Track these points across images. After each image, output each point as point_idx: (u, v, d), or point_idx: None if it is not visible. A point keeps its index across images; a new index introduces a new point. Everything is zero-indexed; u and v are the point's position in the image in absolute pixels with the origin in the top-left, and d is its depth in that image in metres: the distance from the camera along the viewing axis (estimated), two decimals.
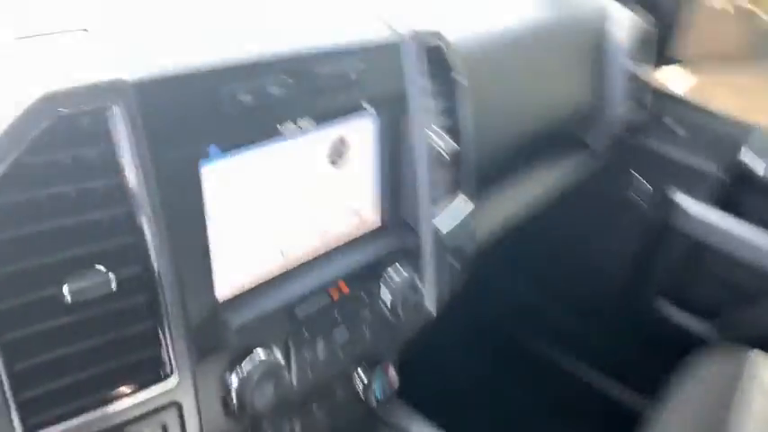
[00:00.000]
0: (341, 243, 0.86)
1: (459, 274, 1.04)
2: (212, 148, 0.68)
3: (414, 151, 0.91)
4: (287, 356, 0.76)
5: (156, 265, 0.61)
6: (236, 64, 0.68)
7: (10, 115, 0.53)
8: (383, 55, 0.86)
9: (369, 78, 0.83)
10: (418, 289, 0.91)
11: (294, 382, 0.78)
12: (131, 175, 0.59)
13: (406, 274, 0.90)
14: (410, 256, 0.93)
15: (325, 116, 0.79)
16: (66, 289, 0.56)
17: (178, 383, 0.65)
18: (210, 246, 0.69)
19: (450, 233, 0.99)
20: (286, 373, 0.74)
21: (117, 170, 0.59)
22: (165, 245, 0.62)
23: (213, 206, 0.69)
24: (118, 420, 0.61)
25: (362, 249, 0.87)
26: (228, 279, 0.73)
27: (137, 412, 0.62)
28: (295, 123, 0.75)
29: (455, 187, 1.03)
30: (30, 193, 0.54)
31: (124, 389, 0.61)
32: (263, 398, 0.71)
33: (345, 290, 0.83)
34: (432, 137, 0.95)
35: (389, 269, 0.89)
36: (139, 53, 0.63)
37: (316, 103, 0.77)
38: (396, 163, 0.91)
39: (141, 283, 0.61)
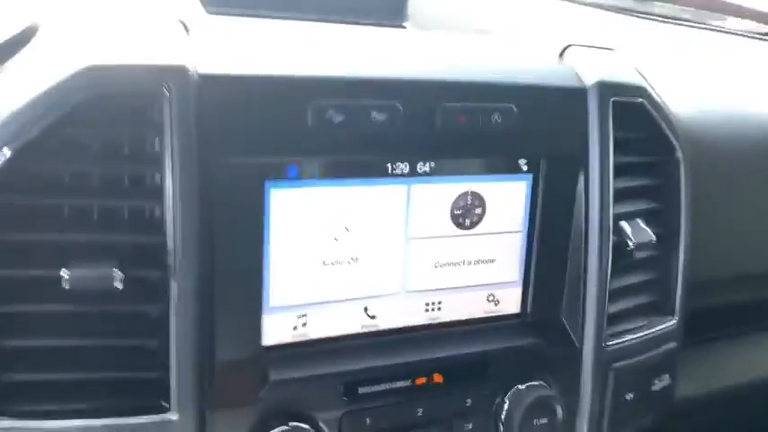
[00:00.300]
0: (453, 319, 0.70)
1: (637, 417, 0.78)
2: (292, 169, 0.60)
3: (586, 233, 0.71)
4: None
5: (174, 276, 0.54)
6: (334, 78, 0.59)
7: (53, 79, 0.50)
8: (557, 102, 0.69)
9: (531, 128, 0.67)
10: (557, 418, 0.69)
11: None
12: (167, 171, 0.53)
13: (543, 390, 0.69)
14: (555, 367, 0.71)
15: (458, 167, 0.66)
16: (65, 272, 0.51)
17: (177, 422, 0.55)
18: (264, 277, 0.60)
19: (631, 365, 0.75)
20: None
21: (150, 161, 0.53)
22: (193, 255, 0.54)
23: (279, 232, 0.60)
24: None
25: (482, 337, 0.69)
26: (283, 322, 0.62)
27: None
28: (411, 165, 0.63)
29: (651, 305, 0.79)
30: (54, 166, 0.51)
31: (111, 406, 0.54)
32: None
33: (439, 381, 0.66)
34: (623, 225, 0.74)
35: (517, 374, 0.69)
36: (225, 53, 0.58)
37: (445, 144, 0.64)
38: (553, 240, 0.71)
39: (153, 290, 0.54)
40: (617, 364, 0.74)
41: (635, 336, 0.76)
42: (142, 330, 0.55)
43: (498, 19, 0.83)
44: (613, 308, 0.74)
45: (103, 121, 0.52)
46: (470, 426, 0.67)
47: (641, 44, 0.87)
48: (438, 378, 0.66)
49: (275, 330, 0.62)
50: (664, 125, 0.75)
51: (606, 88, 0.70)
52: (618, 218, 0.74)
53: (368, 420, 0.63)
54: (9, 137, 0.49)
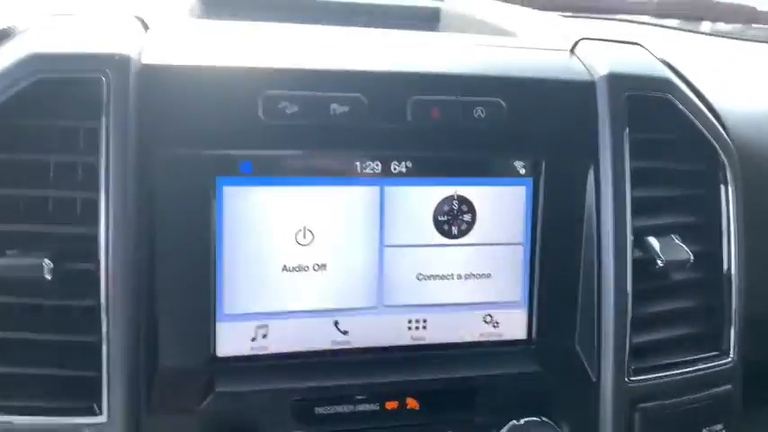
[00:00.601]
0: (441, 341, 0.62)
1: None
2: (245, 165, 0.56)
3: (599, 249, 0.62)
4: None
5: (106, 270, 0.51)
6: (287, 69, 0.56)
7: None
8: (559, 97, 0.61)
9: (527, 126, 0.60)
10: None
11: None
12: (102, 160, 0.51)
13: (547, 428, 0.59)
14: (565, 403, 0.61)
15: (440, 167, 0.60)
16: None
17: (105, 426, 0.52)
18: (217, 282, 0.56)
19: (667, 408, 0.63)
20: None
21: (86, 150, 0.52)
22: (125, 250, 0.51)
23: (233, 233, 0.56)
24: None
25: (472, 361, 0.61)
26: (240, 332, 0.57)
27: None
28: (383, 164, 0.58)
29: (695, 338, 0.66)
30: None
31: (41, 405, 0.52)
32: None
33: (413, 406, 0.58)
34: (650, 240, 0.64)
35: (514, 407, 0.60)
36: (177, 46, 0.57)
37: (420, 141, 0.58)
38: (561, 255, 0.62)
39: (87, 284, 0.52)
40: (645, 405, 0.62)
41: (670, 372, 0.64)
42: (76, 326, 0.53)
43: (522, 24, 0.77)
44: (641, 338, 0.63)
45: (45, 110, 0.52)
46: None
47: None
48: (412, 403, 0.58)
49: (230, 340, 0.57)
50: (699, 124, 0.64)
51: (618, 80, 0.61)
52: (643, 232, 0.63)
53: None
54: None
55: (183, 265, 0.55)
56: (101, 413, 0.51)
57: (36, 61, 0.51)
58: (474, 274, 0.62)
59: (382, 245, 0.60)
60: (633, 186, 0.62)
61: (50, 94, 0.52)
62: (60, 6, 0.59)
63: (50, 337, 0.52)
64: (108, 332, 0.51)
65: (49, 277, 0.50)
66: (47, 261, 0.51)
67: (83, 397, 0.52)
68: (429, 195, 0.60)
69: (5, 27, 0.57)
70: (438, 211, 0.60)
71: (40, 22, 0.56)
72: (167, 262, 0.54)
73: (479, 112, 0.58)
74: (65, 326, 0.52)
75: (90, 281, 0.52)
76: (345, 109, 0.55)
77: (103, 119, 0.51)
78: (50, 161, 0.52)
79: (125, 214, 0.51)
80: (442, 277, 0.61)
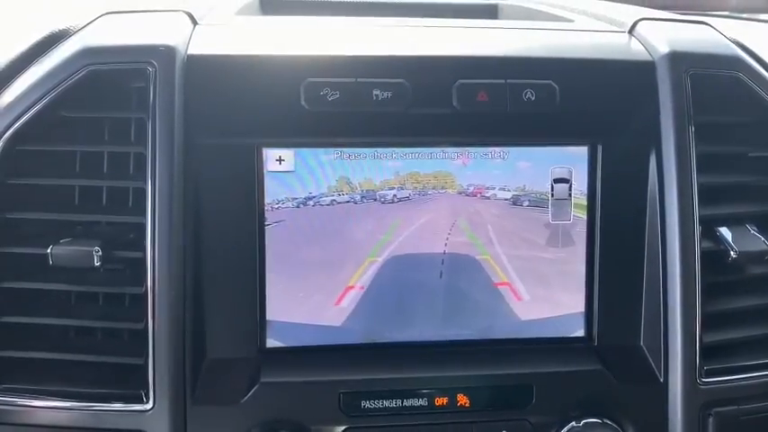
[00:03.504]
0: (487, 337, 0.59)
1: None
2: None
3: (663, 239, 0.58)
4: None
5: (152, 258, 0.52)
6: (329, 56, 0.55)
7: (52, 63, 0.53)
8: (615, 77, 0.58)
9: (582, 108, 0.57)
10: None
11: None
12: (149, 150, 0.52)
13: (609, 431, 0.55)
14: (630, 406, 0.57)
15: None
16: (51, 251, 0.52)
17: (151, 414, 0.52)
18: (267, 272, 0.56)
19: (746, 413, 0.58)
20: None
21: (135, 141, 0.53)
22: (173, 239, 0.52)
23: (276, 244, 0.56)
24: (72, 423, 0.52)
25: (527, 357, 0.58)
26: (288, 324, 0.57)
27: (93, 423, 0.52)
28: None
29: None
30: (45, 146, 0.53)
31: (88, 390, 0.52)
32: None
33: (464, 403, 0.56)
34: (722, 231, 0.59)
35: (574, 407, 0.56)
36: (223, 38, 0.57)
37: (468, 126, 0.56)
38: (626, 247, 0.59)
39: (136, 273, 0.52)
40: (721, 409, 0.57)
41: (748, 375, 0.58)
42: (124, 313, 0.53)
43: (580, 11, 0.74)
44: (713, 336, 0.58)
45: (98, 102, 0.53)
46: None
47: None
48: (463, 400, 0.55)
49: (276, 333, 0.57)
50: None
51: (681, 58, 0.58)
52: (713, 221, 0.59)
53: None
54: (9, 120, 0.52)
55: (231, 258, 0.55)
56: (147, 401, 0.52)
57: (87, 54, 0.53)
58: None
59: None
60: (700, 172, 0.57)
61: (102, 86, 0.53)
62: (118, 4, 0.61)
63: (99, 324, 0.53)
64: (154, 319, 0.51)
65: (98, 264, 0.51)
66: (97, 249, 0.51)
67: (131, 385, 0.52)
68: None
69: (65, 27, 0.59)
70: None
71: (96, 20, 0.58)
72: (215, 252, 0.54)
73: (529, 94, 0.56)
74: (113, 313, 0.53)
75: (138, 269, 0.52)
76: (388, 95, 0.54)
77: (150, 109, 0.52)
78: (103, 152, 0.53)
79: (171, 203, 0.52)
80: None
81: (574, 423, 0.55)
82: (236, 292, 0.55)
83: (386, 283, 0.57)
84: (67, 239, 0.52)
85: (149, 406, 0.52)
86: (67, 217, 0.53)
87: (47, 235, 0.52)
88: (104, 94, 0.53)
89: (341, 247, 0.56)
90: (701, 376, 0.57)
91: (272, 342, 0.56)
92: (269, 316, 0.56)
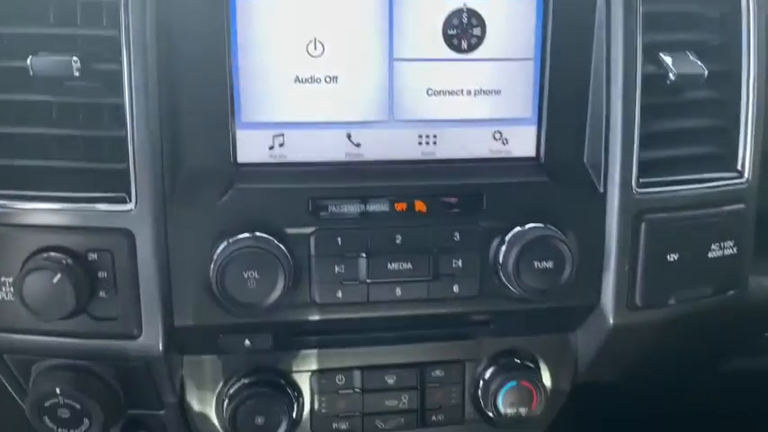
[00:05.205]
0: (451, 156, 0.64)
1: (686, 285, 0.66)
2: None
3: (608, 63, 0.62)
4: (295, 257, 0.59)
5: (129, 70, 0.55)
6: None
7: None
8: None
9: None
10: (564, 263, 0.61)
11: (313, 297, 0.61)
12: None
13: (550, 232, 0.61)
14: (572, 214, 0.63)
15: None
16: (30, 61, 0.55)
17: (134, 213, 0.57)
18: (234, 89, 0.59)
19: (675, 220, 0.64)
20: (283, 270, 0.57)
21: None
22: (147, 50, 0.55)
23: (247, 44, 0.58)
24: (60, 223, 0.57)
25: (481, 171, 0.63)
26: (258, 140, 0.61)
27: (81, 222, 0.57)
28: None
29: (711, 158, 0.67)
30: None
31: (74, 194, 0.57)
32: (253, 293, 0.57)
33: (421, 209, 0.61)
34: (662, 56, 0.63)
35: (520, 214, 0.62)
36: None
37: None
38: (571, 70, 0.63)
39: (111, 83, 0.56)
40: (652, 216, 0.63)
41: (680, 188, 0.64)
42: (105, 123, 0.57)
43: None
44: (650, 153, 0.63)
45: None
46: (459, 263, 0.61)
47: None
48: (420, 206, 0.61)
49: (249, 147, 0.61)
50: None
51: None
52: (655, 48, 0.63)
53: (339, 241, 0.60)
54: None
55: (201, 74, 0.58)
56: (130, 201, 0.56)
57: None
58: (484, 90, 0.63)
59: (392, 58, 0.61)
60: (645, 0, 0.61)
61: None
62: None
63: (82, 132, 0.57)
64: (133, 127, 0.56)
65: (77, 75, 0.55)
66: (75, 59, 0.55)
67: (114, 189, 0.57)
68: (438, 7, 0.61)
69: None
70: (447, 25, 0.61)
71: None
72: (187, 70, 0.58)
73: None
74: (95, 122, 0.57)
75: (116, 81, 0.56)
76: None
77: None
78: None
79: (144, 15, 0.54)
80: (452, 93, 0.63)
81: (519, 228, 0.61)
82: (208, 104, 0.58)
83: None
84: (44, 52, 0.55)
85: (132, 206, 0.56)
86: (44, 30, 0.56)
87: (26, 49, 0.55)
88: None
89: None
90: (637, 186, 0.63)
91: (243, 157, 0.61)
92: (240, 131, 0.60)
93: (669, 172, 0.65)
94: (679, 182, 0.65)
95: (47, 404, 0.59)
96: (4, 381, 0.64)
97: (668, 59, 0.63)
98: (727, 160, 0.67)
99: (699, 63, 0.64)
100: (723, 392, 0.97)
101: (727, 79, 0.66)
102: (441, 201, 0.61)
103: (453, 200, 0.61)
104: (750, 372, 0.92)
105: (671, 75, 0.63)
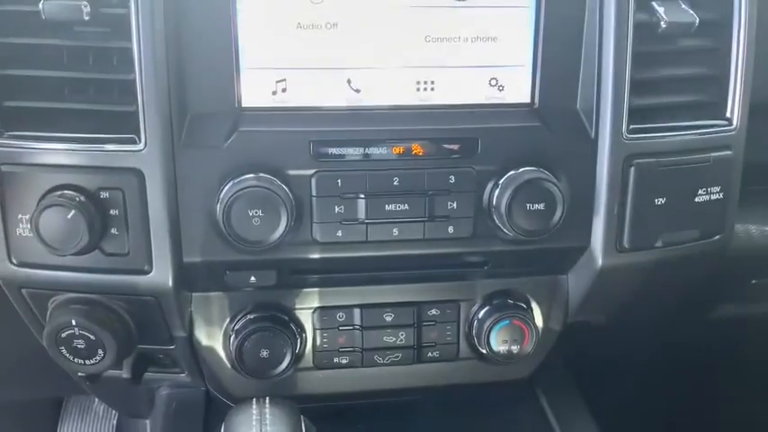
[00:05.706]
0: (448, 102, 0.66)
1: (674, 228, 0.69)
2: None
3: (601, 10, 0.64)
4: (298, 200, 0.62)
5: (136, 15, 0.57)
6: None
7: None
8: None
9: None
10: (555, 206, 0.63)
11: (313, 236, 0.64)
12: None
13: (542, 175, 0.64)
14: (564, 159, 0.66)
15: None
16: (41, 5, 0.57)
17: (143, 153, 0.59)
18: (235, 35, 0.61)
19: (663, 165, 0.66)
20: (285, 209, 0.60)
21: None
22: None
23: None
24: (73, 162, 0.59)
25: (476, 117, 0.65)
26: (261, 84, 0.63)
27: (93, 162, 0.59)
28: None
29: (700, 106, 0.69)
30: None
31: (86, 135, 0.59)
32: (257, 230, 0.60)
33: (418, 152, 0.64)
34: (654, 4, 0.65)
35: (514, 159, 0.64)
36: None
37: None
38: (565, 18, 0.65)
39: (121, 27, 0.58)
40: (641, 161, 0.66)
41: (668, 134, 0.67)
42: (114, 66, 0.59)
43: None
44: (641, 100, 0.66)
45: None
46: (454, 205, 0.64)
47: None
48: (417, 149, 0.63)
49: (253, 92, 0.63)
50: None
51: None
52: None
53: (339, 182, 0.63)
54: None
55: (205, 20, 0.60)
56: (140, 142, 0.59)
57: None
58: (481, 37, 0.65)
59: (392, 5, 0.63)
60: None
61: None
62: None
63: (92, 75, 0.59)
64: (141, 70, 0.58)
65: (87, 19, 0.57)
66: (85, 3, 0.57)
67: (124, 131, 0.60)
68: None
69: None
70: None
71: None
72: (192, 17, 0.60)
73: None
74: (104, 66, 0.59)
75: (124, 25, 0.58)
76: None
77: None
78: None
79: None
80: (450, 39, 0.65)
81: (513, 171, 0.64)
82: (213, 50, 0.60)
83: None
84: None
85: (142, 146, 0.59)
86: None
87: None
88: None
89: None
90: (627, 132, 0.65)
91: (247, 101, 0.63)
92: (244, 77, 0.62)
93: (659, 119, 0.67)
94: (668, 128, 0.67)
95: (63, 335, 0.62)
96: (21, 315, 0.68)
97: (660, 8, 0.65)
98: (716, 108, 0.69)
99: (690, 11, 0.65)
100: (710, 340, 1.01)
101: (718, 28, 0.67)
102: (437, 145, 0.63)
103: (449, 144, 0.63)
104: (737, 319, 0.95)
105: (662, 23, 0.64)
